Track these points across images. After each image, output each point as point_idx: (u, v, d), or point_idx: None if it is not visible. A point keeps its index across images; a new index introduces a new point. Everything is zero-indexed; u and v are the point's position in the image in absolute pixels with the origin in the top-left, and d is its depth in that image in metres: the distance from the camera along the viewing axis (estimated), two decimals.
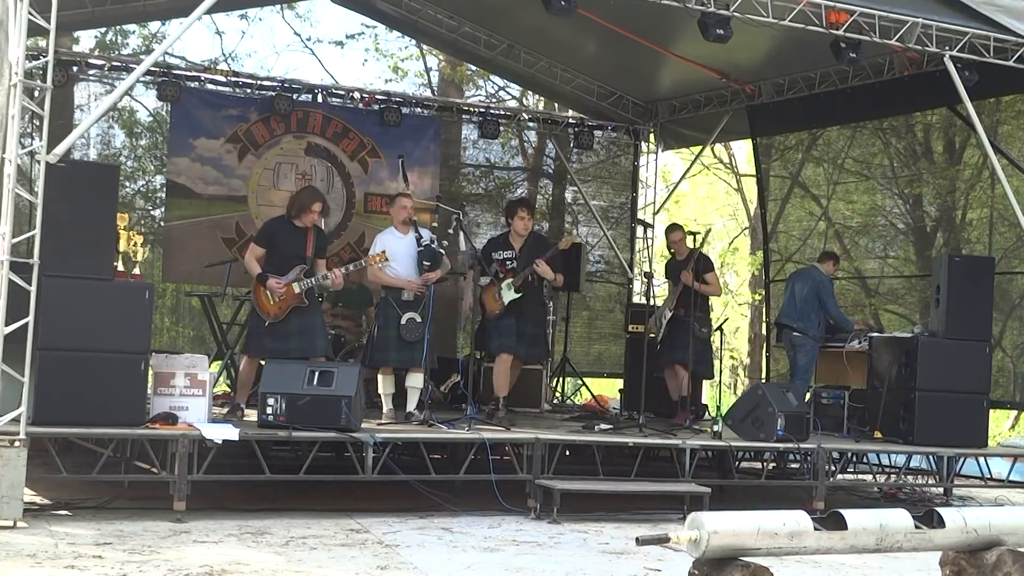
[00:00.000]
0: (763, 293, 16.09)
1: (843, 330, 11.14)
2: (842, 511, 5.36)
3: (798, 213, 13.76)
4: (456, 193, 13.80)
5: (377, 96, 13.47)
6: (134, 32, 19.65)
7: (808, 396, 10.84)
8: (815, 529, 5.23)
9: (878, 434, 10.25)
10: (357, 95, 13.37)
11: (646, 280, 11.59)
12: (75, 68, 12.24)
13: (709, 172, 24.54)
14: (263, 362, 8.81)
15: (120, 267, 8.26)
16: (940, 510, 5.60)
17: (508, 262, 9.90)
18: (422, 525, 7.84)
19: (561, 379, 13.27)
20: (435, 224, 10.25)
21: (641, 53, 12.06)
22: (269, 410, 8.04)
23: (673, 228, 11.24)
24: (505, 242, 10.04)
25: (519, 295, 9.79)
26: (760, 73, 12.35)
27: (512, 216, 10.07)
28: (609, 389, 15.04)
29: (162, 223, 12.73)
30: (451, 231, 10.32)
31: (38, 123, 7.76)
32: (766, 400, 9.39)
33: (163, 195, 12.82)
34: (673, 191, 17.21)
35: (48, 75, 7.34)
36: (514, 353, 10.08)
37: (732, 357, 25.37)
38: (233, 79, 12.96)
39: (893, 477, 10.91)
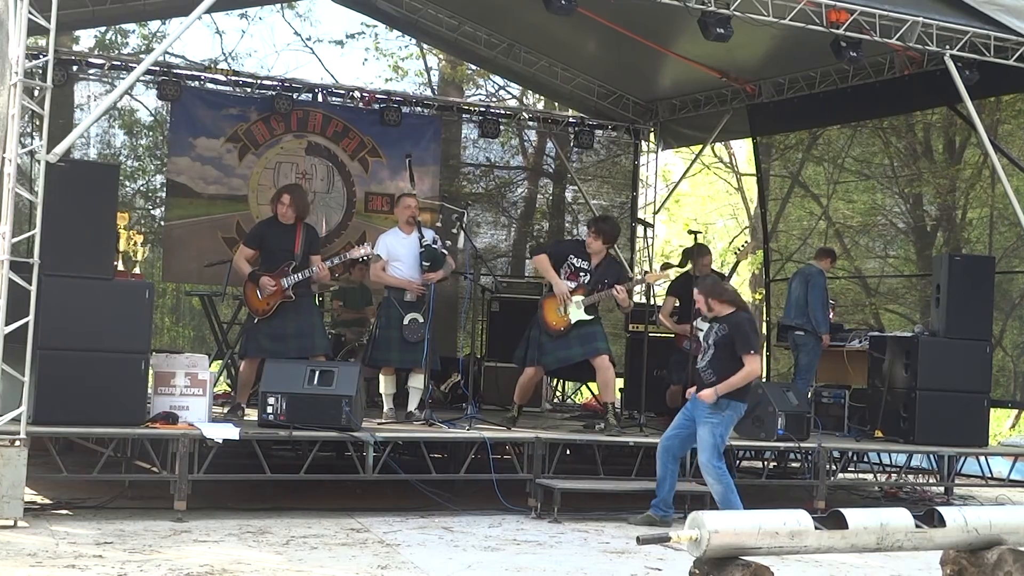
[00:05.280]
0: (763, 293, 16.09)
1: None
2: (843, 510, 5.36)
3: (798, 212, 13.76)
4: (456, 192, 13.80)
5: (377, 95, 13.46)
6: (134, 31, 19.66)
7: (809, 395, 10.85)
8: (816, 528, 5.23)
9: (879, 433, 10.26)
10: (357, 94, 13.36)
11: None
12: (75, 67, 12.23)
13: (709, 171, 24.53)
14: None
15: (120, 266, 8.26)
16: (941, 509, 5.60)
17: (582, 273, 9.36)
18: (423, 524, 7.84)
19: (561, 379, 13.27)
20: (439, 224, 10.21)
21: (641, 52, 12.05)
22: (269, 409, 8.04)
23: (706, 251, 10.86)
24: (583, 251, 9.45)
25: (590, 316, 9.30)
26: (760, 72, 12.34)
27: (588, 231, 9.60)
28: None
29: (162, 222, 12.72)
30: (454, 231, 10.28)
31: (38, 123, 7.76)
32: (766, 399, 9.39)
33: (163, 194, 12.82)
34: (673, 190, 17.21)
35: (48, 74, 7.34)
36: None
37: None
38: (233, 78, 12.95)
39: (894, 476, 10.91)
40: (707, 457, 7.69)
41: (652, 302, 10.98)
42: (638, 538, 5.43)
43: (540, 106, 18.20)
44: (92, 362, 7.49)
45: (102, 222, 7.70)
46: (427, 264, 9.15)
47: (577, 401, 13.71)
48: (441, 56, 19.64)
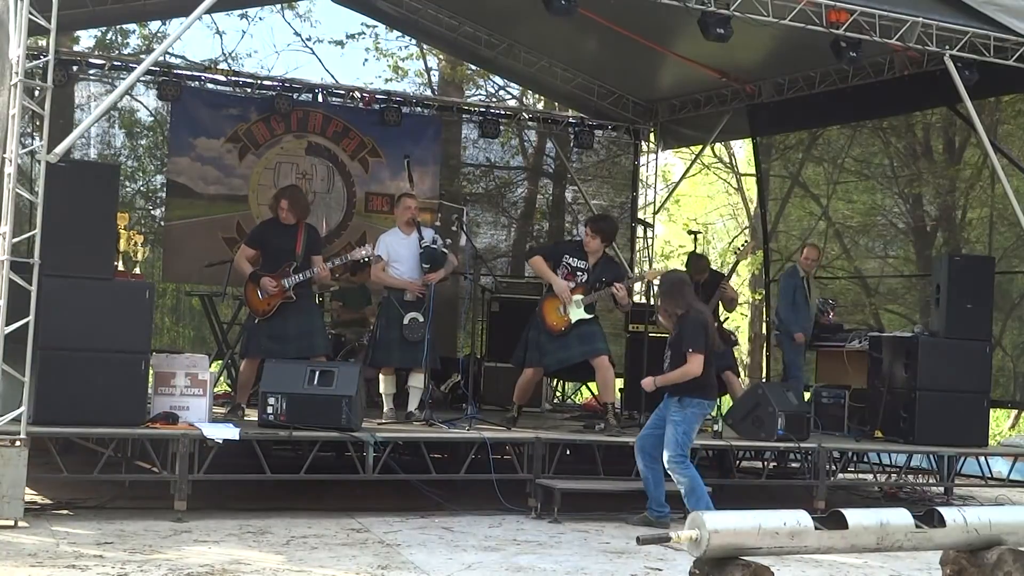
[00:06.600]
0: (763, 293, 16.09)
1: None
2: (843, 510, 5.36)
3: (798, 213, 13.77)
4: (456, 192, 13.80)
5: (377, 96, 13.46)
6: (134, 31, 19.62)
7: (808, 395, 10.87)
8: (816, 528, 5.24)
9: (879, 433, 10.26)
10: (357, 95, 13.36)
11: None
12: (75, 68, 12.22)
13: (709, 172, 24.52)
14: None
15: (120, 267, 8.26)
16: (941, 509, 5.60)
17: (579, 273, 9.32)
18: (423, 524, 7.84)
19: (561, 379, 13.25)
20: (438, 223, 10.23)
21: (641, 52, 12.05)
22: (270, 410, 8.05)
23: (700, 257, 11.14)
24: (580, 250, 9.41)
25: (589, 316, 9.29)
26: (760, 72, 12.34)
27: (585, 230, 9.58)
28: None
29: (162, 223, 12.72)
30: (453, 228, 10.27)
31: (38, 123, 7.77)
32: (766, 399, 9.40)
33: (163, 195, 12.81)
34: (673, 191, 17.22)
35: (48, 75, 7.34)
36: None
37: None
38: (233, 79, 12.96)
39: (894, 476, 10.91)
40: (669, 454, 7.82)
41: (652, 302, 10.98)
42: (638, 538, 5.43)
43: (540, 106, 18.19)
44: (92, 362, 7.50)
45: (102, 222, 7.70)
46: (427, 265, 9.17)
47: (577, 401, 13.70)
48: (441, 56, 19.62)
